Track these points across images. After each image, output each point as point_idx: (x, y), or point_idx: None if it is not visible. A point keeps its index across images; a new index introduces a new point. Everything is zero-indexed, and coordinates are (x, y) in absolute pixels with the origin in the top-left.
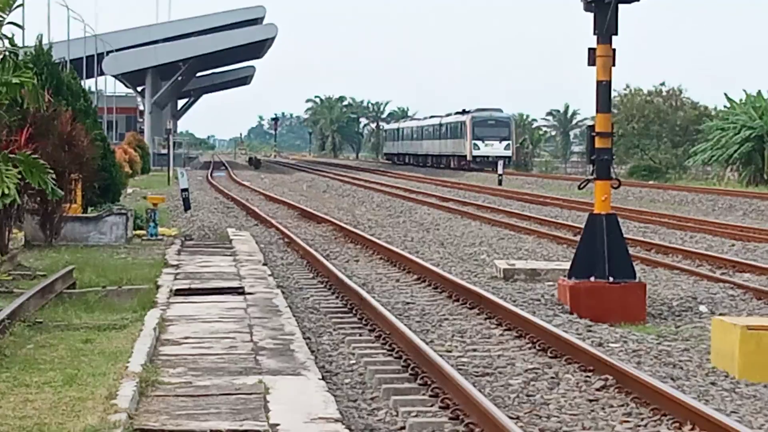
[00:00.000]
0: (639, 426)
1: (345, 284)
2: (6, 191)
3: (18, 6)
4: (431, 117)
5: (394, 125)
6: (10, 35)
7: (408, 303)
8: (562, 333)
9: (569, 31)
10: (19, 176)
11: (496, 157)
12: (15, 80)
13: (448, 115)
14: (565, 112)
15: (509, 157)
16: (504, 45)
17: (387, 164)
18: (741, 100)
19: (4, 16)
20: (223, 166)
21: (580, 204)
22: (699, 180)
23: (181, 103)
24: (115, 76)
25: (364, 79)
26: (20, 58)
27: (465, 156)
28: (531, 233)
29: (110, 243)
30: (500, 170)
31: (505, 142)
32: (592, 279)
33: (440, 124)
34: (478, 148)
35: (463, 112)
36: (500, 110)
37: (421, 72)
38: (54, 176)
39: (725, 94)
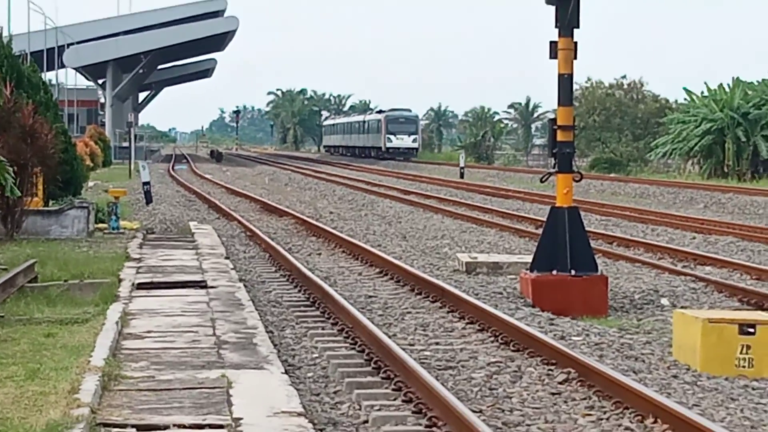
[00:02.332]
0: (601, 419)
1: (307, 277)
2: None
3: None
4: (357, 114)
5: (329, 122)
6: None
7: (370, 296)
8: (525, 326)
9: (531, 24)
10: None
11: (405, 148)
12: None
13: (369, 112)
14: (527, 104)
15: (416, 148)
16: (465, 37)
17: (348, 158)
18: (702, 93)
19: None
20: (185, 159)
21: (542, 197)
22: (660, 173)
23: (142, 96)
24: (76, 69)
25: (326, 72)
26: None
27: (380, 147)
28: (493, 226)
29: (72, 236)
30: (462, 163)
31: (413, 136)
32: (554, 272)
33: (364, 121)
34: (391, 141)
35: (380, 111)
36: (409, 110)
37: (383, 64)
38: (15, 170)
39: (684, 88)
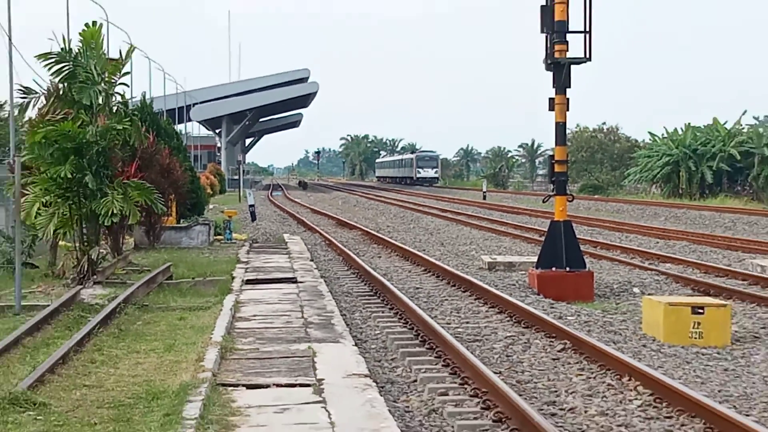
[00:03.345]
0: (590, 378)
1: (371, 274)
2: (115, 210)
3: (126, 74)
4: (397, 154)
5: (380, 159)
6: (121, 92)
7: (417, 288)
8: (532, 309)
9: (535, 83)
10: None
11: (429, 177)
12: (119, 126)
13: (405, 153)
14: (532, 144)
15: (437, 177)
16: (487, 93)
17: (399, 185)
18: (662, 134)
19: (115, 79)
20: (280, 187)
21: (544, 213)
22: (632, 194)
23: (248, 141)
24: (199, 122)
25: (384, 120)
26: (128, 109)
27: (411, 177)
28: (508, 235)
29: (197, 246)
30: (484, 188)
31: (435, 169)
32: (554, 269)
33: (401, 159)
34: (420, 173)
35: (412, 152)
36: (433, 151)
37: (426, 113)
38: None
39: (649, 132)
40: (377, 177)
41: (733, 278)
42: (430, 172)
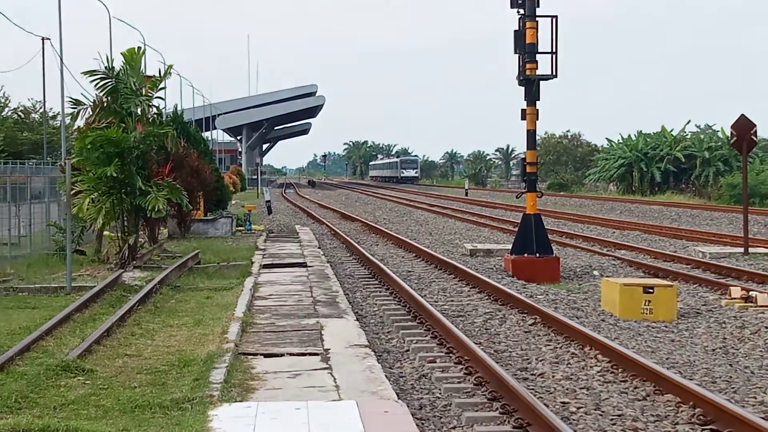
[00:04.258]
0: (556, 348)
1: (369, 260)
2: (160, 207)
3: (162, 88)
4: (386, 158)
5: (372, 162)
6: (156, 105)
7: (409, 271)
8: (507, 289)
9: (509, 96)
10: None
11: (410, 177)
12: (160, 131)
13: (390, 157)
14: (507, 149)
15: (417, 177)
16: (472, 106)
17: (389, 183)
18: (618, 140)
19: (152, 93)
20: (292, 186)
21: (517, 207)
22: (592, 191)
23: (265, 146)
24: (223, 130)
25: (380, 127)
26: (163, 118)
27: (397, 177)
28: (487, 226)
29: (221, 235)
30: (466, 186)
31: (414, 170)
32: (526, 255)
33: (389, 161)
34: (402, 173)
35: (397, 156)
36: (415, 155)
37: (416, 121)
38: (187, 195)
39: (606, 138)
40: (371, 176)
41: (678, 263)
42: (411, 173)
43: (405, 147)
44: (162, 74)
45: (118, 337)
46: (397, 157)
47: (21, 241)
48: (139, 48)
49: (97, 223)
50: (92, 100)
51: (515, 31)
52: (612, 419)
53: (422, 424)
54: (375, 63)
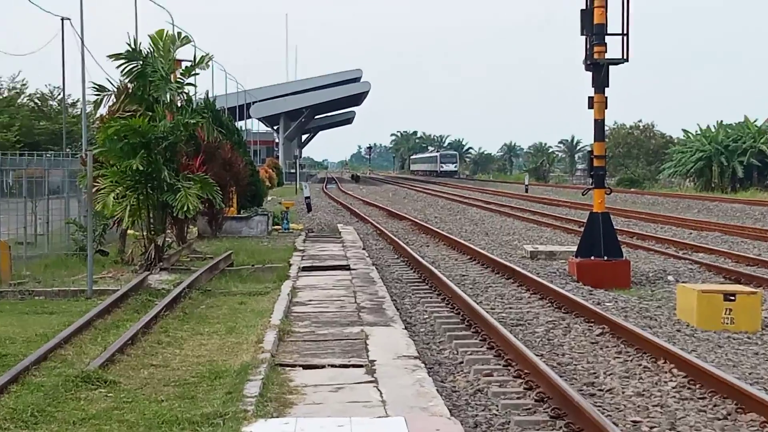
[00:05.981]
0: (626, 360)
1: (419, 262)
2: (190, 207)
3: (195, 74)
4: (426, 153)
5: (414, 156)
6: (187, 92)
7: (463, 275)
8: (572, 296)
9: (575, 82)
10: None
11: (450, 171)
12: (192, 121)
13: (431, 151)
14: (572, 140)
15: (456, 171)
16: (531, 94)
17: (439, 179)
18: (696, 131)
19: (183, 79)
20: (334, 180)
21: (583, 205)
22: (666, 188)
23: (304, 137)
24: (259, 119)
25: (432, 117)
26: (194, 106)
27: (437, 171)
28: (549, 226)
29: (256, 235)
30: (526, 182)
31: (454, 165)
32: (593, 258)
33: (429, 156)
34: (442, 168)
35: (437, 150)
36: (454, 150)
37: (472, 111)
38: (218, 189)
39: (683, 129)
40: (411, 171)
41: (763, 267)
42: (450, 167)
43: (458, 138)
44: (196, 61)
45: (143, 346)
46: (437, 151)
47: (38, 240)
48: (168, 32)
49: (125, 220)
50: (116, 86)
51: (582, 10)
52: None
53: None
54: (425, 46)
